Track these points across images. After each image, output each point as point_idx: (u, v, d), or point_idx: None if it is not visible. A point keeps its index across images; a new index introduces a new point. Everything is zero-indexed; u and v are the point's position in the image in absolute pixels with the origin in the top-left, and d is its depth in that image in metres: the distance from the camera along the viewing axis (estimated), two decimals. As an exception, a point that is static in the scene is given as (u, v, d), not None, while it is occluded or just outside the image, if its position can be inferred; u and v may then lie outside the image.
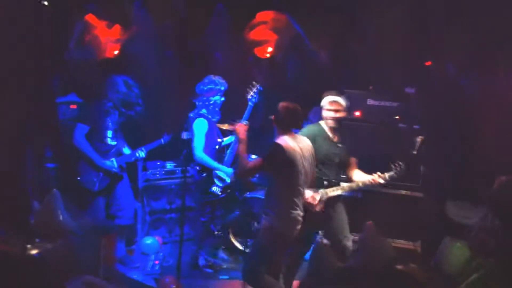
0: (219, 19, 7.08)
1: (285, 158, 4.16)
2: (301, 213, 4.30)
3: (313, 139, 4.56)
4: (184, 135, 5.24)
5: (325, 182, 4.61)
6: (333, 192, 4.56)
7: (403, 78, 6.04)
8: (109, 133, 5.65)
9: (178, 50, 7.04)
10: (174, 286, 4.85)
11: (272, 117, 4.35)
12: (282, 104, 4.35)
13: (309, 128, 4.82)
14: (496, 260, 3.49)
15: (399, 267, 3.67)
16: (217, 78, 5.66)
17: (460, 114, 4.89)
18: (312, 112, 5.99)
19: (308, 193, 4.39)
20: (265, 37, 7.05)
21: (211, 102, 5.62)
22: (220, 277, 5.68)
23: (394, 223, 5.10)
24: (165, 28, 6.76)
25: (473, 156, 4.83)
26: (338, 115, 4.72)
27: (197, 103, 5.68)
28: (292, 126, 4.36)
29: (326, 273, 4.04)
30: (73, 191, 5.48)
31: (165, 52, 6.96)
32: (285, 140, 4.24)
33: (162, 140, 5.91)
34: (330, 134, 4.75)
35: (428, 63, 6.06)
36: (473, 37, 5.63)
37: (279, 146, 4.19)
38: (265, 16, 7.03)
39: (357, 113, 5.83)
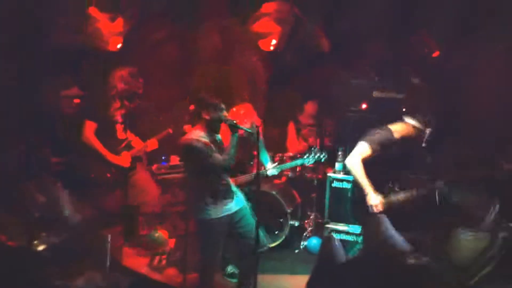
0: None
1: None
2: None
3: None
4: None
5: None
6: None
7: (409, 70, 5.99)
8: (118, 127, 5.62)
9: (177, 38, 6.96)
10: (180, 280, 4.82)
11: None
12: None
13: None
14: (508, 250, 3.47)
15: (410, 260, 3.64)
16: None
17: (468, 103, 4.84)
18: None
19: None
20: (268, 29, 6.98)
21: None
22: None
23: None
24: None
25: (485, 147, 4.79)
26: None
27: None
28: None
29: (335, 268, 4.00)
30: (85, 187, 5.45)
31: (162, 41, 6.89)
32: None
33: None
34: None
35: (435, 54, 6.00)
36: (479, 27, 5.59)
37: None
38: (268, 7, 6.95)
39: (363, 105, 5.79)
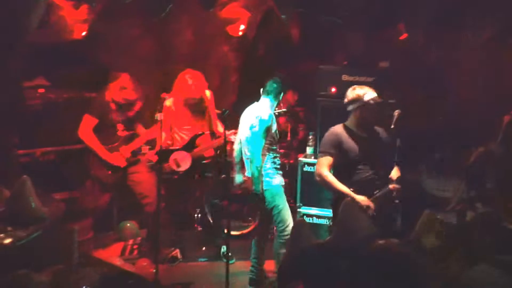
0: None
1: None
2: None
3: None
4: (158, 116, 5.04)
5: None
6: None
7: (377, 52, 5.99)
8: (119, 126, 5.60)
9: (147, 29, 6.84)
10: (153, 270, 4.77)
11: None
12: None
13: None
14: (474, 231, 3.52)
15: (380, 242, 3.66)
16: None
17: (435, 86, 4.87)
18: None
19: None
20: (237, 15, 6.92)
21: None
22: (199, 259, 5.63)
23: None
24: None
25: (449, 129, 4.84)
26: None
27: None
28: None
29: (306, 251, 4.01)
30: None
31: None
32: None
33: None
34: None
35: (402, 37, 6.01)
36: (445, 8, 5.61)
37: None
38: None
39: (333, 90, 5.76)
